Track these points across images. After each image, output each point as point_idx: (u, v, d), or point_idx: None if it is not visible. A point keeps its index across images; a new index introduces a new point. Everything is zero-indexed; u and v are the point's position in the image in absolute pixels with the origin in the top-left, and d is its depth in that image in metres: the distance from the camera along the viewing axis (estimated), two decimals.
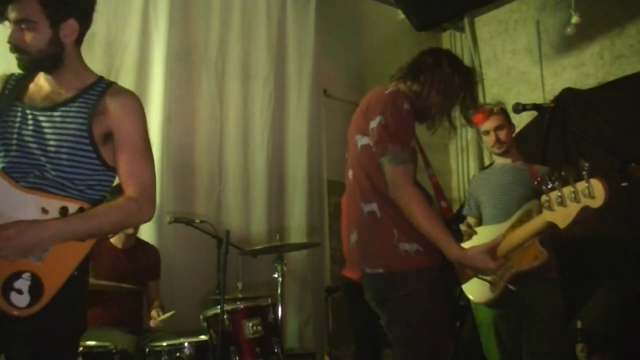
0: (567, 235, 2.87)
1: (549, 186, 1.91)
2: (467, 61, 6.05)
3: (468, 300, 3.03)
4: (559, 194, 1.87)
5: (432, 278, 2.02)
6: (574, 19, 4.73)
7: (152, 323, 3.41)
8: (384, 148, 2.00)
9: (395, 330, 2.04)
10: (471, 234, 2.97)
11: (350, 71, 5.30)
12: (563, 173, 1.88)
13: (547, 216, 1.93)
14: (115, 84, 1.89)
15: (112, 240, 3.55)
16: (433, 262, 2.03)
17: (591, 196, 1.80)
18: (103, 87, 1.85)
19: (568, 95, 4.81)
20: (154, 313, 3.45)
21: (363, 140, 2.12)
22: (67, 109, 1.77)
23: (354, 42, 5.43)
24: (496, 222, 2.94)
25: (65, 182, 1.74)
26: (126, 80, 3.94)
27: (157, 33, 4.10)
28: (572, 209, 1.85)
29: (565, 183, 1.86)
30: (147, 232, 3.76)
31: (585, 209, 2.60)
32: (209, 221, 3.68)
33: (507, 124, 3.04)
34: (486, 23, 6.00)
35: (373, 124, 2.05)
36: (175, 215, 3.66)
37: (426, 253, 2.02)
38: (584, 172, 1.81)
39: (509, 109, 2.85)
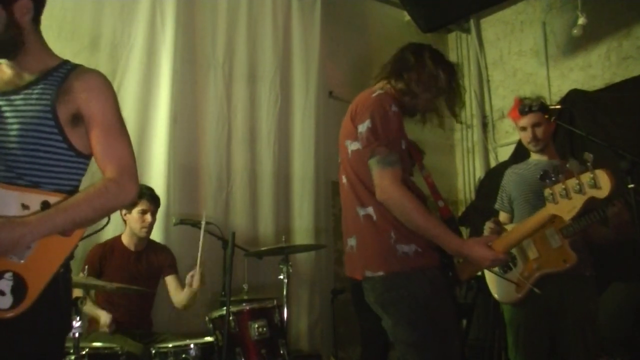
0: (601, 240, 2.85)
1: (553, 179, 1.89)
2: (473, 63, 6.05)
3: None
4: (563, 186, 1.85)
5: (433, 278, 2.02)
6: (581, 20, 4.71)
7: (194, 283, 3.29)
8: (372, 151, 2.01)
9: (401, 332, 2.03)
10: (499, 231, 2.90)
11: (356, 73, 5.30)
12: (567, 166, 1.87)
13: (550, 209, 1.91)
14: (81, 65, 1.80)
15: (125, 242, 3.55)
16: (432, 261, 2.04)
17: (597, 187, 1.78)
18: (67, 69, 1.77)
19: (575, 97, 4.80)
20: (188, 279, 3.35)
21: (353, 146, 2.13)
22: (30, 91, 1.69)
23: (359, 43, 5.44)
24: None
25: (30, 170, 1.66)
26: (132, 82, 3.97)
27: (164, 35, 4.11)
28: (577, 201, 1.83)
29: (569, 176, 1.85)
30: (153, 234, 3.76)
31: (617, 213, 2.60)
32: (214, 223, 3.68)
33: (545, 121, 2.95)
34: (492, 24, 5.99)
35: (361, 128, 2.06)
36: (181, 217, 3.67)
37: (425, 253, 2.02)
38: (588, 164, 1.80)
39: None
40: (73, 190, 1.73)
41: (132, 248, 3.56)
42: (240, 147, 4.45)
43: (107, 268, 3.43)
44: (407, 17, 5.45)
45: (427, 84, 2.17)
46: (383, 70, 2.28)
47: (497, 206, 3.17)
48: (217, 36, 4.45)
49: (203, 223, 3.29)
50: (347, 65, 5.29)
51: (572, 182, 1.83)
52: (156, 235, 3.79)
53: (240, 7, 4.58)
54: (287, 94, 4.73)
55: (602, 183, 1.77)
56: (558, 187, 1.87)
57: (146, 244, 3.62)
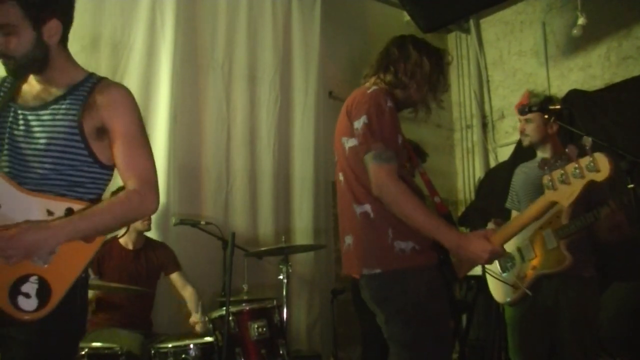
0: (603, 242, 2.84)
1: (551, 166, 1.88)
2: (473, 63, 6.05)
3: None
4: (562, 172, 1.83)
5: (430, 277, 2.02)
6: (581, 20, 4.71)
7: (198, 328, 3.32)
8: (367, 147, 2.01)
9: (394, 330, 2.03)
10: None
11: (356, 73, 5.26)
12: (567, 150, 1.86)
13: (549, 196, 1.89)
14: (105, 78, 1.85)
15: (122, 241, 3.55)
16: (429, 260, 2.03)
17: (596, 170, 1.76)
18: (93, 82, 1.81)
19: (575, 97, 4.80)
20: (193, 318, 3.38)
21: (350, 142, 2.12)
22: (57, 106, 1.75)
23: (359, 43, 5.43)
24: None
25: (55, 182, 1.71)
26: (132, 82, 3.96)
27: (164, 35, 4.11)
28: (577, 186, 1.81)
29: (568, 162, 1.84)
30: (153, 234, 3.76)
31: (610, 214, 2.59)
32: (214, 223, 3.69)
33: (539, 119, 2.91)
34: (492, 24, 6.00)
35: (357, 124, 2.06)
36: (181, 217, 3.67)
37: (422, 251, 2.01)
38: (587, 148, 1.79)
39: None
40: (96, 199, 1.78)
41: (130, 247, 3.56)
42: (240, 147, 4.45)
43: (106, 268, 3.42)
44: (407, 17, 5.44)
45: (413, 72, 2.18)
46: (371, 67, 2.29)
47: (508, 205, 3.17)
48: (217, 36, 4.45)
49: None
50: (347, 65, 5.28)
51: (570, 167, 1.82)
52: (156, 236, 3.80)
53: (240, 7, 4.58)
54: (286, 94, 4.73)
55: (602, 166, 1.75)
56: (557, 174, 1.85)
57: (144, 243, 3.61)
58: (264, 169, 4.52)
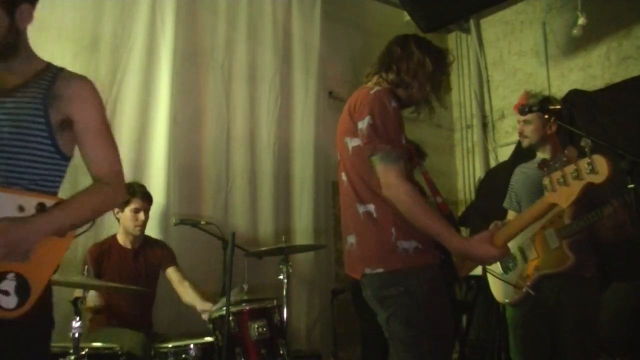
0: (605, 240, 2.84)
1: (551, 168, 1.89)
2: (473, 63, 6.05)
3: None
4: (561, 174, 1.84)
5: (432, 276, 2.02)
6: (581, 20, 4.72)
7: (205, 316, 3.26)
8: (373, 148, 2.00)
9: (396, 328, 2.03)
10: None
11: (356, 73, 5.30)
12: (566, 152, 1.87)
13: (548, 198, 1.90)
14: (65, 69, 1.83)
15: (121, 241, 3.54)
16: (432, 259, 2.03)
17: (594, 172, 1.77)
18: (54, 72, 1.78)
19: (575, 97, 4.80)
20: (203, 307, 3.32)
21: (353, 142, 2.12)
22: (20, 94, 1.71)
23: (359, 43, 5.44)
24: None
25: (17, 171, 1.68)
26: (132, 82, 3.96)
27: (164, 35, 4.11)
28: (575, 187, 1.82)
29: (567, 163, 1.85)
30: (152, 234, 3.76)
31: (613, 213, 2.60)
32: (214, 223, 3.69)
33: (538, 120, 2.90)
34: (492, 24, 6.00)
35: (361, 124, 2.05)
36: (181, 217, 3.67)
37: (425, 251, 2.02)
38: (586, 150, 1.80)
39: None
40: (56, 192, 1.77)
41: (128, 246, 3.54)
42: (240, 147, 4.45)
43: (106, 268, 3.42)
44: (407, 17, 5.45)
45: (415, 71, 2.18)
46: (373, 66, 2.29)
47: (505, 205, 3.16)
48: (217, 36, 4.45)
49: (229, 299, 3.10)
50: (347, 65, 5.29)
51: (570, 169, 1.83)
52: (155, 236, 3.79)
53: (240, 7, 4.58)
54: (287, 94, 4.73)
55: (600, 168, 1.76)
56: (556, 175, 1.86)
57: (142, 241, 3.60)
58: (264, 169, 4.52)
